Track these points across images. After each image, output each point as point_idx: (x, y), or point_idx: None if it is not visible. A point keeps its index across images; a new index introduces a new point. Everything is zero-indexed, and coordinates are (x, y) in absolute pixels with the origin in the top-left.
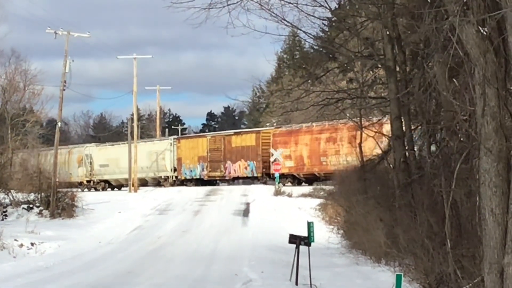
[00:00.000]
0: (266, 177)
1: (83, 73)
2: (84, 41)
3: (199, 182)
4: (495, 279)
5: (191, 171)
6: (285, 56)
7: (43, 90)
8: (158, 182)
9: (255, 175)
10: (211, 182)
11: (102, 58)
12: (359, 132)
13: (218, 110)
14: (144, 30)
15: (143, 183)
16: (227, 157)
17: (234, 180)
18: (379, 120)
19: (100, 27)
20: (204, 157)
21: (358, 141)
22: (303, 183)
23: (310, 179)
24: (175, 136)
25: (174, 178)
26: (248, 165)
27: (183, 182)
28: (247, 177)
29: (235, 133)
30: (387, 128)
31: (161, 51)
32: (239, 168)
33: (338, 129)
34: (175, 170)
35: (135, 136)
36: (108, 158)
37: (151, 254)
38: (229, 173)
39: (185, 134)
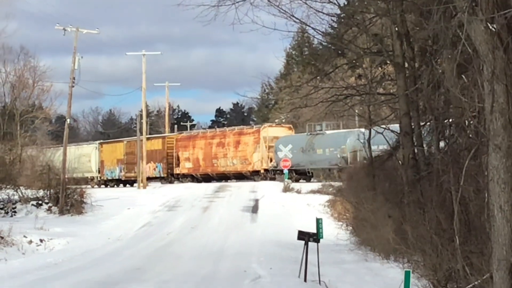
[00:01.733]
0: (170, 176)
1: (92, 69)
2: (94, 38)
3: (119, 182)
4: (504, 276)
5: (111, 172)
6: (293, 52)
7: (52, 87)
8: (86, 182)
9: (162, 175)
10: (128, 182)
11: (112, 55)
12: (262, 136)
13: (227, 106)
14: (154, 27)
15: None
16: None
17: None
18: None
19: (110, 24)
20: (122, 160)
21: (367, 137)
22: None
23: (206, 178)
24: (100, 141)
25: (99, 178)
26: (157, 166)
27: (106, 182)
28: (155, 177)
29: (147, 138)
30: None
31: (171, 47)
32: (149, 169)
33: (226, 135)
34: (99, 171)
35: (144, 133)
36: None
37: (159, 250)
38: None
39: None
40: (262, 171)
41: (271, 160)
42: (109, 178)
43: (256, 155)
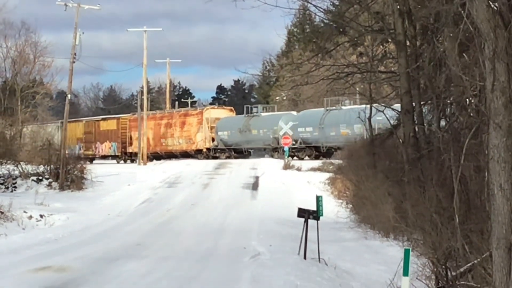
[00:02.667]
0: (124, 155)
1: (94, 45)
2: (96, 14)
3: None
4: (503, 254)
5: (71, 150)
6: (295, 30)
7: (53, 62)
8: None
9: (116, 153)
10: (87, 159)
11: (114, 31)
12: (204, 117)
13: (228, 83)
14: (157, 3)
15: None
16: (97, 139)
17: (103, 158)
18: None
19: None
20: (81, 139)
21: (368, 115)
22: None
23: (156, 157)
24: (61, 120)
25: None
26: (112, 145)
27: None
28: (111, 156)
29: (103, 119)
30: None
31: (174, 24)
32: (105, 148)
33: (173, 116)
34: None
35: (144, 109)
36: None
37: (159, 227)
38: (99, 152)
39: (195, 107)
40: (204, 150)
41: (213, 140)
42: None
43: (199, 135)
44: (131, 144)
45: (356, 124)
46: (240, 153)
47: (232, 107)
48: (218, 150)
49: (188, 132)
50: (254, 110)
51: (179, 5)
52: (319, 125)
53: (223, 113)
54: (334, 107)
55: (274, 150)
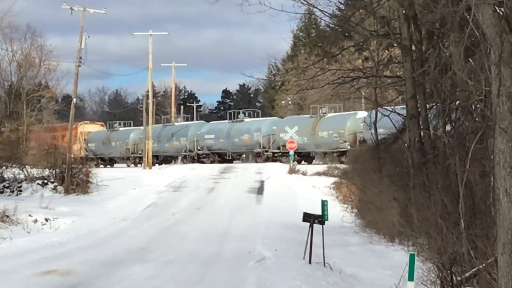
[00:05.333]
0: None
1: (101, 49)
2: (103, 18)
3: None
4: (509, 260)
5: None
6: (301, 34)
7: (58, 66)
8: None
9: None
10: None
11: (121, 35)
12: (79, 131)
13: (234, 88)
14: (166, 7)
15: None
16: None
17: None
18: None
19: (121, 3)
20: None
21: (373, 119)
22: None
23: None
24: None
25: None
26: None
27: None
28: None
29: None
30: None
31: (182, 28)
32: None
33: (59, 129)
34: None
35: (150, 113)
36: None
37: (164, 230)
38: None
39: (200, 111)
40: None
41: (86, 150)
42: None
43: (76, 146)
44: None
45: None
46: (103, 160)
47: (103, 122)
48: (89, 159)
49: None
50: (115, 125)
51: (187, 9)
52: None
53: (95, 127)
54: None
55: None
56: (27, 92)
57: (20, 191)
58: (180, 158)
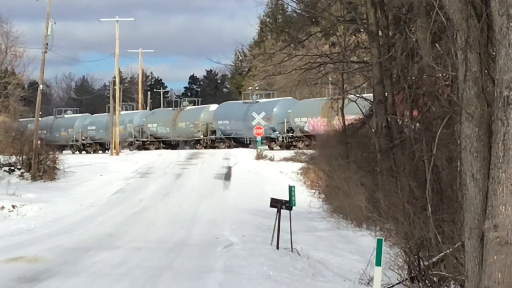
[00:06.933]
0: None
1: (68, 35)
2: (71, 4)
3: None
4: (475, 244)
5: None
6: (268, 20)
7: (25, 52)
8: None
9: None
10: None
11: (89, 21)
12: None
13: (201, 74)
14: None
15: None
16: None
17: None
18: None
19: None
20: None
21: (340, 105)
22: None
23: None
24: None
25: None
26: None
27: None
28: None
29: None
30: None
31: (151, 14)
32: None
33: None
34: None
35: (117, 99)
36: None
37: (132, 217)
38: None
39: (167, 97)
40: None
41: None
42: None
43: None
44: None
45: None
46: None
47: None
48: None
49: None
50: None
51: None
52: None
53: None
54: None
55: None
56: None
57: None
58: (68, 147)
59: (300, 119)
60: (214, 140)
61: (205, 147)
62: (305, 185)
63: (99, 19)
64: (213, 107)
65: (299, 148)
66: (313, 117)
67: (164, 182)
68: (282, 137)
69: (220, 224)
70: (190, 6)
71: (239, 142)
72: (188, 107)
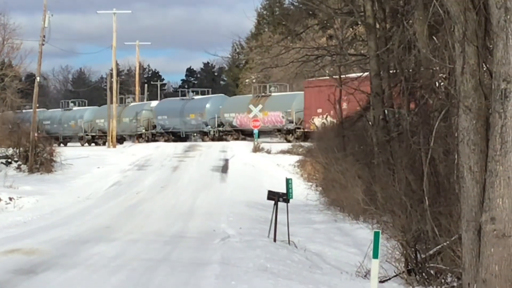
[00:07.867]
0: None
1: (65, 27)
2: None
3: None
4: (472, 237)
5: None
6: (265, 12)
7: (22, 45)
8: None
9: None
10: None
11: (86, 13)
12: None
13: (198, 66)
14: None
15: None
16: None
17: None
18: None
19: None
20: None
21: (337, 97)
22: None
23: None
24: None
25: None
26: None
27: None
28: None
29: None
30: None
31: (149, 6)
32: None
33: None
34: None
35: (114, 92)
36: None
37: (129, 209)
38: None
39: (164, 90)
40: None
41: None
42: None
43: None
44: None
45: None
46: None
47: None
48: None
49: None
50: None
51: None
52: None
53: None
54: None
55: None
56: None
57: None
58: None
59: (229, 115)
60: (155, 134)
61: (167, 141)
62: (302, 178)
63: (96, 11)
64: (154, 103)
65: (227, 141)
66: (240, 113)
67: (161, 174)
68: (213, 131)
69: (217, 217)
70: None
71: (177, 136)
72: (131, 104)
